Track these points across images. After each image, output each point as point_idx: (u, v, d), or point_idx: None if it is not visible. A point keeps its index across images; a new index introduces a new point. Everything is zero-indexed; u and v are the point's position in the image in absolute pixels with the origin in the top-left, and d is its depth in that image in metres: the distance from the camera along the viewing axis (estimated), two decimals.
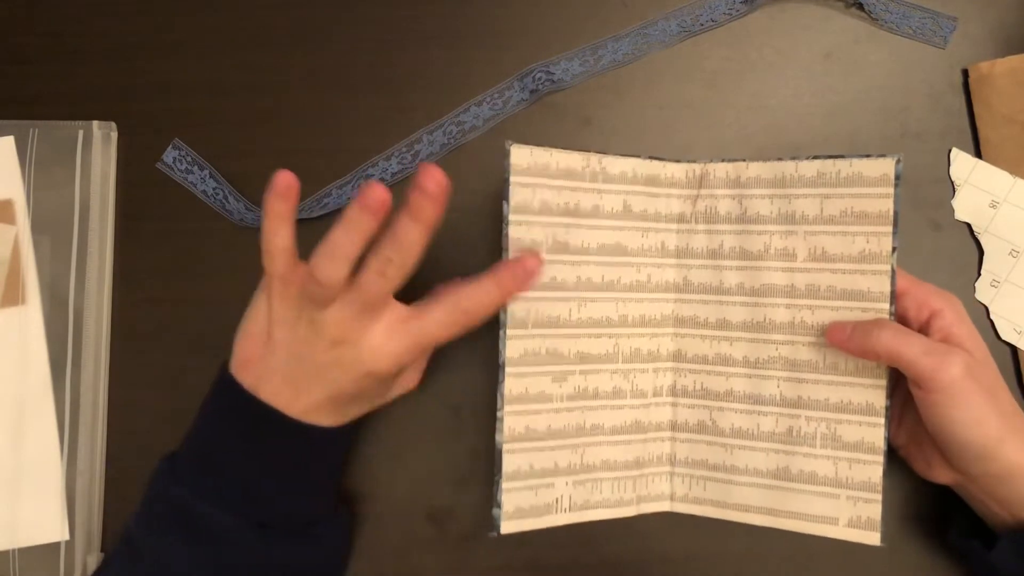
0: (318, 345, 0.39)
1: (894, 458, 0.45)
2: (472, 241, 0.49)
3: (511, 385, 0.41)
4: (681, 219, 0.44)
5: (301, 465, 0.41)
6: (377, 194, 0.36)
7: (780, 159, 0.42)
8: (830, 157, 0.41)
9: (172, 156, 0.50)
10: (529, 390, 0.41)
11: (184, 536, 0.39)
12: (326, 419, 0.40)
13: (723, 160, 0.43)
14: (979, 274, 0.48)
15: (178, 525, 0.39)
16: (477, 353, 0.48)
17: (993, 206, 0.48)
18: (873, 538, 0.42)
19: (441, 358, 0.47)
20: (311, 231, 0.49)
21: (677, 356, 0.45)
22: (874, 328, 0.39)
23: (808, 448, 0.43)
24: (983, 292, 0.48)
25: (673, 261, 0.44)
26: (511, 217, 0.40)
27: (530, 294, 0.41)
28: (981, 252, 0.48)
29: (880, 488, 0.42)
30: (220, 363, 0.42)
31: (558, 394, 0.42)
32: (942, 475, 0.42)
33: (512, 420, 0.41)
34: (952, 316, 0.40)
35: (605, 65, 0.50)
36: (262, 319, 0.40)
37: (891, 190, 0.40)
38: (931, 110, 0.50)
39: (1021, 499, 0.39)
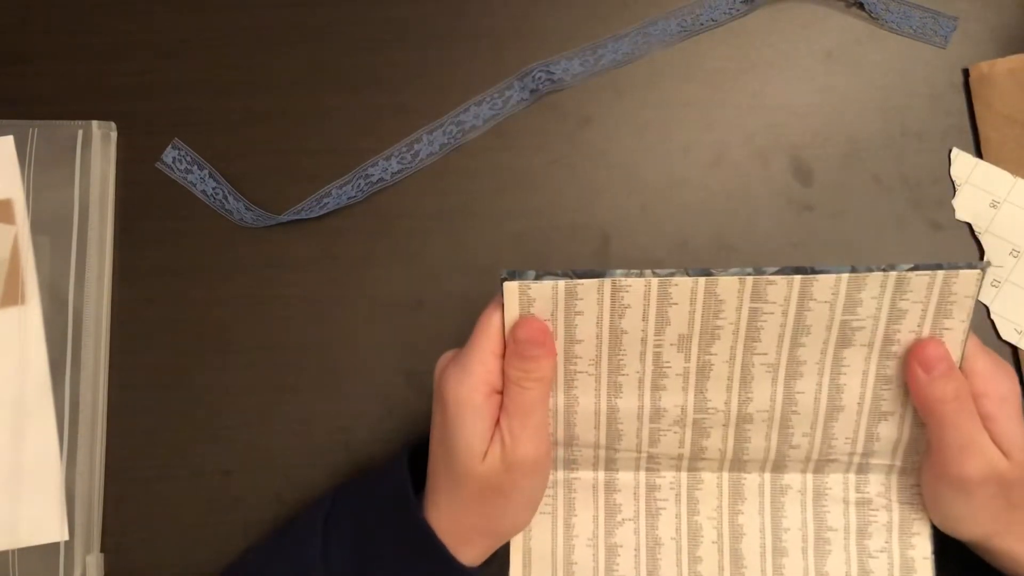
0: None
1: None
2: (471, 242, 0.49)
3: None
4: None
5: None
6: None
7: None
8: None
9: (172, 156, 0.50)
10: None
11: None
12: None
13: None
14: None
15: None
16: None
17: (994, 206, 0.48)
18: None
19: None
20: (311, 231, 0.50)
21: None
22: (950, 383, 0.37)
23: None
24: (983, 292, 0.48)
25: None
26: None
27: None
28: (982, 252, 0.48)
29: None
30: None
31: None
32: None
33: None
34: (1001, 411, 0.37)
35: (605, 65, 0.50)
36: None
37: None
38: (931, 110, 0.50)
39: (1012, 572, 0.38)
